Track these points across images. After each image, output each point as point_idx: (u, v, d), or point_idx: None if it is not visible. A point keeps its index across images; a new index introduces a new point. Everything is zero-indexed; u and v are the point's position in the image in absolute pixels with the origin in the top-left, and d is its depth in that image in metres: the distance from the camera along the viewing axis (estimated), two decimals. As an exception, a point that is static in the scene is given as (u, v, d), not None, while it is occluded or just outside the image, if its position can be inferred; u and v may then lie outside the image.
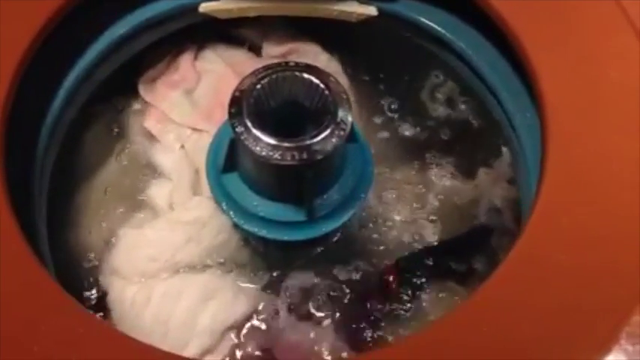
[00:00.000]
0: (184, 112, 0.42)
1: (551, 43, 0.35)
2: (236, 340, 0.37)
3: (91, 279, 0.39)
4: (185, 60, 0.44)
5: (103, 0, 0.38)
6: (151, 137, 0.43)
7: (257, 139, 0.32)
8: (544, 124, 0.33)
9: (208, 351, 0.37)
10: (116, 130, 0.45)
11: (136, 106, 0.44)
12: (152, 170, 0.42)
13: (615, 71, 0.34)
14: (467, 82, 0.43)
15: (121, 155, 0.44)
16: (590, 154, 0.32)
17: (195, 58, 0.44)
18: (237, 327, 0.38)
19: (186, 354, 0.36)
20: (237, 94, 0.33)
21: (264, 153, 0.32)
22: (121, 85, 0.44)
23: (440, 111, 0.47)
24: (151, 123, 0.42)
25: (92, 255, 0.40)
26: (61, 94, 0.37)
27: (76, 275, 0.39)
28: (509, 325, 0.29)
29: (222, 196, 0.37)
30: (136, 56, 0.42)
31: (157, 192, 0.41)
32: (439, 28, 0.41)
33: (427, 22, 0.41)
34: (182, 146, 0.42)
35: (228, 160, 0.36)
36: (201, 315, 0.37)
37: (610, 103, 0.33)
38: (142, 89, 0.43)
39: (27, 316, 0.28)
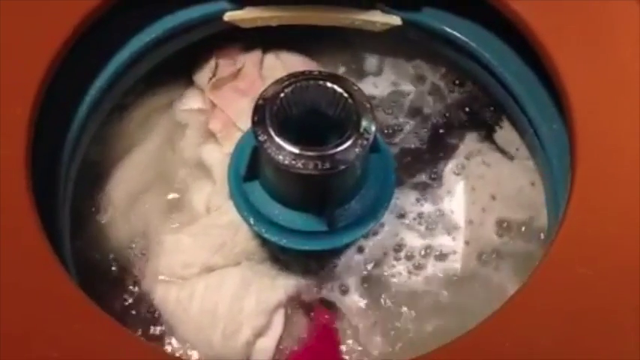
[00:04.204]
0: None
1: (578, 53, 0.34)
2: (284, 318, 0.38)
3: (125, 280, 0.39)
4: (252, 66, 0.44)
5: (129, 8, 0.38)
6: (206, 137, 0.42)
7: (280, 148, 0.32)
8: (572, 137, 0.33)
9: (262, 332, 0.37)
10: (163, 122, 0.44)
11: (194, 103, 0.43)
12: (194, 169, 0.42)
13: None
14: (492, 92, 0.43)
15: (167, 149, 0.43)
16: (620, 167, 0.32)
17: (261, 62, 0.44)
18: (285, 305, 0.38)
19: (242, 337, 0.36)
20: (260, 102, 0.33)
21: (286, 162, 0.32)
22: (173, 77, 0.44)
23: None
24: (217, 126, 0.42)
25: (126, 254, 0.40)
26: (87, 101, 0.38)
27: (106, 276, 0.39)
28: (532, 340, 0.28)
29: (244, 204, 0.37)
30: (190, 49, 0.42)
31: (197, 194, 0.41)
32: (464, 38, 0.41)
33: (451, 31, 0.41)
34: None
35: (250, 168, 0.36)
36: (245, 299, 0.37)
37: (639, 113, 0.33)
38: (210, 92, 0.43)
39: (47, 320, 0.28)
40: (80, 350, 0.28)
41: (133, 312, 0.38)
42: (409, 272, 0.40)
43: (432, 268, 0.40)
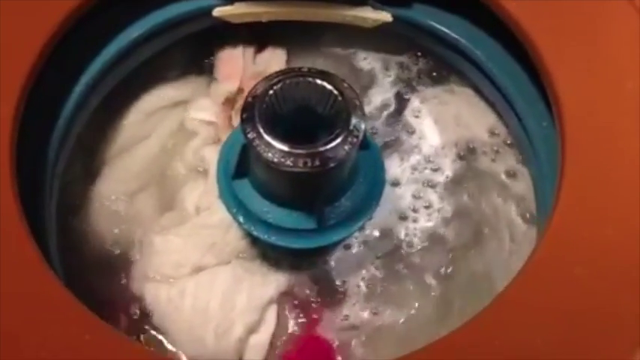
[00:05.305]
0: None
1: (570, 52, 0.34)
2: (276, 314, 0.38)
3: (114, 280, 0.39)
4: None
5: (116, 3, 0.38)
6: (211, 143, 0.42)
7: (269, 145, 0.32)
8: (562, 134, 0.33)
9: (254, 328, 0.37)
10: (169, 123, 0.43)
11: (206, 114, 0.43)
12: (193, 172, 0.42)
13: (635, 81, 0.33)
14: (481, 89, 0.43)
15: (169, 151, 0.43)
16: (609, 165, 0.32)
17: None
18: (277, 301, 0.38)
19: (234, 334, 0.36)
20: (249, 99, 0.33)
21: (275, 159, 0.32)
22: (182, 77, 0.44)
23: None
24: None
25: (116, 253, 0.40)
26: (73, 98, 0.37)
27: (95, 276, 0.39)
28: (521, 338, 0.28)
29: (233, 201, 0.36)
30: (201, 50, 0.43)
31: (190, 194, 0.40)
32: (454, 34, 0.41)
33: (442, 28, 0.41)
34: None
35: (240, 165, 0.36)
36: (237, 296, 0.37)
37: (629, 113, 0.33)
38: (235, 117, 0.43)
39: (34, 321, 0.28)
40: (69, 352, 0.28)
41: (123, 312, 0.38)
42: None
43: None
